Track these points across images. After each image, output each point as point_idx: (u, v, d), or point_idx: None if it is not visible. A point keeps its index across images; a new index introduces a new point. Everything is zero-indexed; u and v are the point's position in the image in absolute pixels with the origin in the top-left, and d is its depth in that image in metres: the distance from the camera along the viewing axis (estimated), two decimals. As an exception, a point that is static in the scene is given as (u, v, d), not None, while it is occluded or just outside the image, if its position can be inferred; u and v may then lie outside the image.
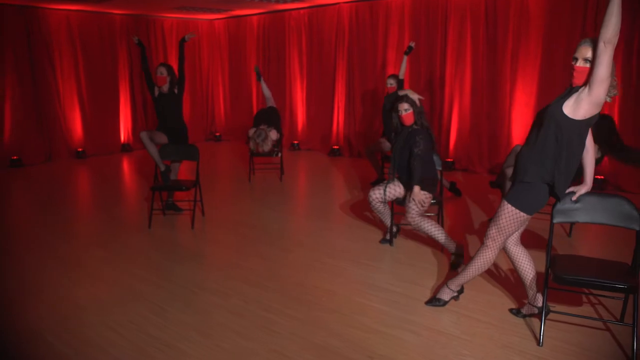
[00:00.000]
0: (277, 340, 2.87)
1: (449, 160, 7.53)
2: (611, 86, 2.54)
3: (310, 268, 3.95)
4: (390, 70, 8.08)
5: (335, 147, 8.95)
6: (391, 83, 6.27)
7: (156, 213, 5.40)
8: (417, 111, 4.05)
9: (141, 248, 4.47)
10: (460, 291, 3.29)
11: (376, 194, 4.25)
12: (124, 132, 9.66)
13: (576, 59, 2.58)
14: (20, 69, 8.20)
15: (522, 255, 3.08)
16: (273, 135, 6.52)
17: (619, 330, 2.95)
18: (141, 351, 2.80)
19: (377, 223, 4.98)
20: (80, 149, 9.00)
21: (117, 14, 9.22)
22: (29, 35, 8.25)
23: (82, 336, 2.96)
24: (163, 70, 5.21)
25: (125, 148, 9.65)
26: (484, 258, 3.02)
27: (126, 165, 8.50)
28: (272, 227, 5.02)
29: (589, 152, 2.84)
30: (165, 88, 5.25)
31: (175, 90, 5.26)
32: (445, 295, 3.28)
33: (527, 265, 3.06)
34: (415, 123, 4.04)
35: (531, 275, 3.05)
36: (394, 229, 4.49)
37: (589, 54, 2.52)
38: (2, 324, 3.15)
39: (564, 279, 2.71)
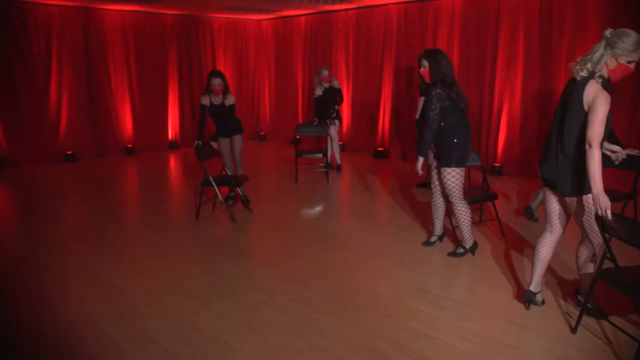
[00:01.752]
0: (324, 340, 2.86)
1: (497, 165, 7.36)
2: None
3: (356, 269, 3.92)
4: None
5: (380, 148, 8.88)
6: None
7: (205, 208, 5.49)
8: (436, 69, 3.85)
9: (189, 243, 4.56)
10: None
11: (436, 185, 4.19)
12: (172, 130, 9.89)
13: (634, 62, 2.67)
14: (77, 68, 8.51)
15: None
16: None
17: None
18: (188, 343, 2.84)
19: (423, 225, 4.90)
20: (130, 145, 9.26)
21: (169, 14, 9.45)
22: (86, 35, 8.55)
23: (133, 325, 3.03)
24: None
25: (173, 145, 9.87)
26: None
27: (174, 162, 8.70)
28: (317, 226, 5.03)
29: None
30: (221, 98, 5.41)
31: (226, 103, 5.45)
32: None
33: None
34: (434, 83, 3.87)
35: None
36: (440, 232, 4.41)
37: None
38: (59, 310, 3.27)
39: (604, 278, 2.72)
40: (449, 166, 3.93)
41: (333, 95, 7.30)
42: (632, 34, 2.69)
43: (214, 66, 10.30)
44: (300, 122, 10.27)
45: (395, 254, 4.22)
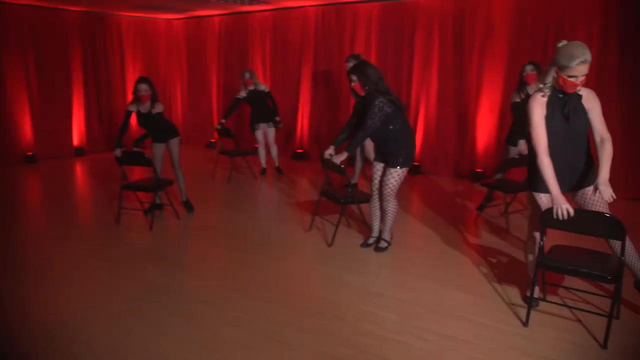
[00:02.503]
0: (288, 352, 2.80)
1: (415, 164, 7.66)
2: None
3: (304, 276, 3.89)
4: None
5: (300, 150, 8.90)
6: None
7: (131, 217, 5.18)
8: (366, 81, 4.00)
9: (115, 255, 4.25)
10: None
11: (377, 187, 4.31)
12: (78, 135, 9.20)
13: (576, 77, 2.76)
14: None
15: None
16: None
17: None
18: (145, 369, 2.66)
19: (357, 226, 4.97)
20: (30, 153, 8.48)
21: (72, 10, 8.78)
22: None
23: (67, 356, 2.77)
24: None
25: (79, 152, 9.18)
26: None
27: (81, 169, 8.10)
28: (255, 233, 4.91)
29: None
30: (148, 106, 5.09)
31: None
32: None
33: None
34: (368, 93, 4.03)
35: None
36: (378, 233, 4.49)
37: (585, 70, 2.76)
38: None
39: (547, 265, 2.95)
40: (395, 167, 4.11)
41: (260, 99, 7.12)
42: (568, 50, 2.75)
43: (123, 67, 9.77)
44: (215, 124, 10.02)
45: (337, 258, 4.23)
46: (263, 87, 7.15)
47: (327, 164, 4.35)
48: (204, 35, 9.99)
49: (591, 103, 2.90)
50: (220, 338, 2.95)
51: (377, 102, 3.96)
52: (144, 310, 3.28)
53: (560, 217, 2.83)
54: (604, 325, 2.99)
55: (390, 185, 4.15)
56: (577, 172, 3.04)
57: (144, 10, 9.14)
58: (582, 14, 6.25)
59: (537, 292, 3.34)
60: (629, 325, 3.08)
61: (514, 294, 3.53)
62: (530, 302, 3.13)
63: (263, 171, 7.42)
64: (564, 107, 2.89)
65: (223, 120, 7.05)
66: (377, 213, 4.39)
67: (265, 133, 7.30)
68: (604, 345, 2.84)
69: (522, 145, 5.07)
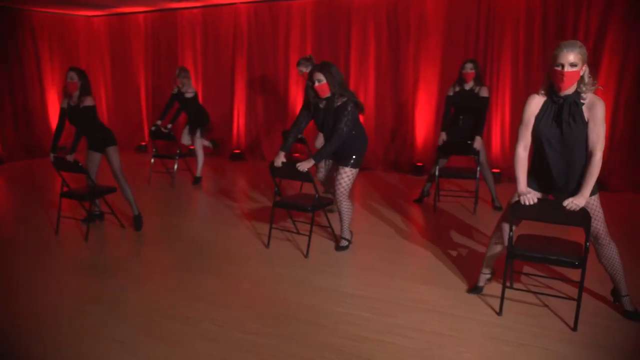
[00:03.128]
0: (272, 362, 2.69)
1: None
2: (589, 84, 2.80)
3: (270, 281, 3.76)
4: (294, 73, 8.06)
5: (237, 150, 8.68)
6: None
7: (71, 227, 4.79)
8: (333, 81, 3.91)
9: (63, 272, 3.90)
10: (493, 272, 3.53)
11: (321, 177, 4.36)
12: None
13: (562, 65, 2.73)
14: None
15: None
16: None
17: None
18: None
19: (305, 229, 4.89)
20: None
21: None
22: None
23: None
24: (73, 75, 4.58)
25: (-6, 161, 8.43)
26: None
27: (2, 179, 7.42)
28: (204, 238, 4.70)
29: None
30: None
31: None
32: (482, 280, 3.47)
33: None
34: (334, 95, 3.96)
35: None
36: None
37: (571, 58, 2.71)
38: None
39: (518, 254, 3.06)
40: (348, 166, 4.08)
41: (185, 102, 6.65)
42: (560, 44, 2.78)
43: (39, 69, 9.04)
44: (145, 128, 9.57)
45: (301, 260, 4.15)
46: (190, 90, 6.65)
47: (280, 172, 4.18)
48: (128, 34, 9.47)
49: (591, 113, 2.78)
50: (195, 355, 2.76)
51: (349, 109, 3.91)
52: (104, 332, 3.01)
53: (528, 203, 2.93)
54: (568, 308, 3.17)
55: (344, 185, 4.10)
56: (570, 185, 2.99)
57: (58, 6, 8.49)
58: (510, 7, 6.56)
59: (483, 281, 3.46)
60: (590, 308, 3.23)
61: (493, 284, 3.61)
62: (474, 291, 3.41)
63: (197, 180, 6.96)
64: (560, 113, 2.84)
65: (158, 122, 6.68)
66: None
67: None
68: (574, 328, 2.97)
69: (443, 136, 5.36)
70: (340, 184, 4.11)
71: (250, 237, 4.71)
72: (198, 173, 6.83)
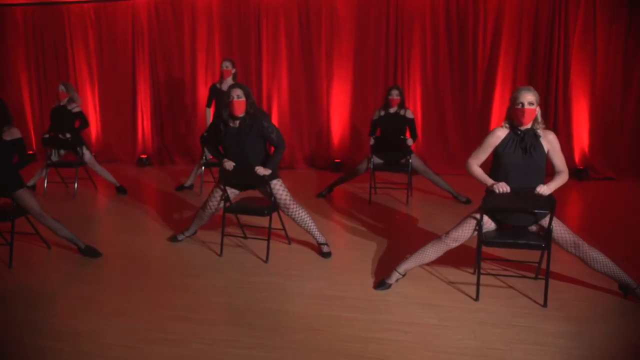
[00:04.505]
0: (285, 376, 2.58)
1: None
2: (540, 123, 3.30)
3: (243, 290, 3.58)
4: (201, 74, 7.76)
5: (144, 156, 8.14)
6: (227, 66, 5.99)
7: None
8: (251, 103, 3.97)
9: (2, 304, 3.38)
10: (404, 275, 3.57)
11: (213, 204, 4.18)
12: None
13: (522, 104, 3.18)
14: None
15: None
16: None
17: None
18: None
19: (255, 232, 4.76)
20: None
21: None
22: None
23: None
24: None
25: None
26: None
27: None
28: (146, 251, 4.35)
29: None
30: None
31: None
32: (393, 278, 3.52)
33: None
34: (247, 112, 3.96)
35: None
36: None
37: (529, 98, 3.18)
38: None
39: (489, 242, 3.28)
40: (274, 179, 4.06)
41: (67, 117, 6.07)
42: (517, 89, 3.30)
43: None
44: (33, 139, 8.57)
45: (262, 266, 4.01)
46: (74, 105, 6.11)
47: (230, 177, 4.04)
48: (3, 29, 8.38)
49: (550, 144, 3.27)
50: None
51: (267, 122, 3.98)
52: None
53: (502, 190, 3.15)
54: (528, 287, 3.48)
55: (284, 196, 4.05)
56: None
57: None
58: (416, 5, 6.93)
59: (395, 278, 3.53)
60: (552, 285, 3.54)
61: (444, 272, 3.79)
62: (381, 287, 3.52)
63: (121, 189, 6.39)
64: (522, 142, 3.24)
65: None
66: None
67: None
68: (544, 304, 3.24)
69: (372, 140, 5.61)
70: (280, 198, 4.04)
71: (197, 247, 4.46)
72: (116, 182, 6.31)
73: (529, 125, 3.27)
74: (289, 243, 4.45)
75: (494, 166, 3.39)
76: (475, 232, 3.37)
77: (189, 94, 7.86)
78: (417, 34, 6.98)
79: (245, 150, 4.00)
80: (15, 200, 4.03)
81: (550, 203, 3.15)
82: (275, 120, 7.59)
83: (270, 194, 4.05)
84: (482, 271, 3.69)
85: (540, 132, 3.29)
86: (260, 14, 7.39)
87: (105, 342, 2.92)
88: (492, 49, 6.78)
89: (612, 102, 6.55)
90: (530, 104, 3.20)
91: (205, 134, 5.99)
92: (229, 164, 4.00)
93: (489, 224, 3.39)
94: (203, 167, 6.15)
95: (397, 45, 7.04)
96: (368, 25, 7.12)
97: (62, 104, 6.09)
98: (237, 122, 3.98)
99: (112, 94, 8.14)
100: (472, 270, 3.79)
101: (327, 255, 4.14)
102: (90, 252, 4.20)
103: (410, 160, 5.48)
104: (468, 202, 5.60)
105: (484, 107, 6.91)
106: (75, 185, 6.23)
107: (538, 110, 3.26)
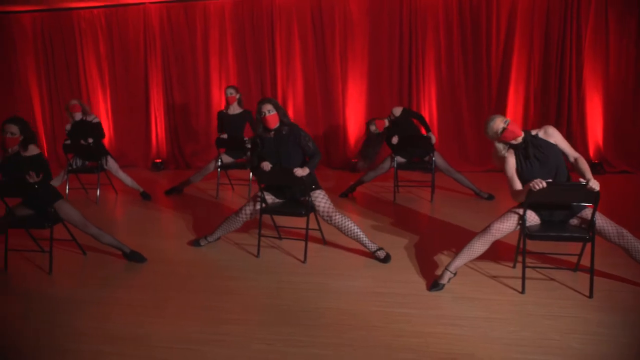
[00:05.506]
0: (352, 372, 2.62)
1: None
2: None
3: (288, 291, 3.61)
4: (215, 76, 7.79)
5: (158, 160, 8.15)
6: (231, 93, 6.15)
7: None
8: (282, 112, 4.10)
9: (54, 312, 3.39)
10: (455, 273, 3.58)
11: (250, 209, 4.21)
12: None
13: (503, 128, 3.34)
14: None
15: None
16: None
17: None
18: None
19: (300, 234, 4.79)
20: None
21: None
22: None
23: None
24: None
25: None
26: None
27: None
28: (183, 258, 4.37)
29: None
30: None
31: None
32: (445, 278, 3.53)
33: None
34: (281, 121, 4.08)
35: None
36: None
37: (501, 122, 3.36)
38: None
39: (534, 235, 3.34)
40: (317, 189, 4.14)
41: (89, 129, 6.06)
42: (487, 126, 3.44)
43: None
44: (45, 146, 8.55)
45: (300, 266, 4.04)
46: (93, 116, 6.17)
47: (268, 177, 4.07)
48: (11, 36, 8.34)
49: (552, 136, 3.38)
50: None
51: (302, 131, 4.09)
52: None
53: (539, 187, 3.19)
54: (572, 279, 3.56)
55: (327, 207, 4.07)
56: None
57: None
58: (429, 4, 6.99)
59: (447, 277, 3.53)
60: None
61: (485, 267, 3.84)
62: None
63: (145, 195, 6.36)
64: (528, 150, 3.35)
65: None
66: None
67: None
68: (590, 296, 3.31)
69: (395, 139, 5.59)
70: (320, 209, 4.07)
71: (231, 249, 4.48)
72: (140, 188, 6.32)
73: (521, 134, 3.37)
74: (324, 243, 4.48)
75: (524, 183, 3.42)
76: (518, 226, 3.43)
77: (202, 96, 7.88)
78: (430, 33, 7.04)
79: (284, 159, 4.07)
80: (55, 211, 4.06)
81: (594, 195, 3.22)
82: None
83: (310, 203, 4.07)
84: (520, 264, 3.78)
85: (534, 132, 3.43)
86: (273, 16, 7.43)
87: (161, 345, 2.95)
88: (505, 47, 6.86)
89: (625, 97, 6.65)
90: (505, 121, 3.35)
91: (220, 137, 6.08)
92: (267, 165, 4.04)
93: (531, 218, 3.45)
94: (219, 170, 6.17)
95: (411, 44, 7.10)
96: (381, 25, 7.17)
97: (77, 118, 6.08)
98: (272, 132, 4.08)
99: (125, 99, 8.14)
100: (511, 265, 3.85)
101: (385, 260, 4.03)
102: (136, 257, 4.20)
103: (433, 159, 5.54)
104: (490, 198, 5.67)
105: (499, 105, 6.98)
106: (98, 191, 6.24)
107: (507, 120, 3.38)
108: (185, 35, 7.79)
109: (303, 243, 4.34)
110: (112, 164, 6.18)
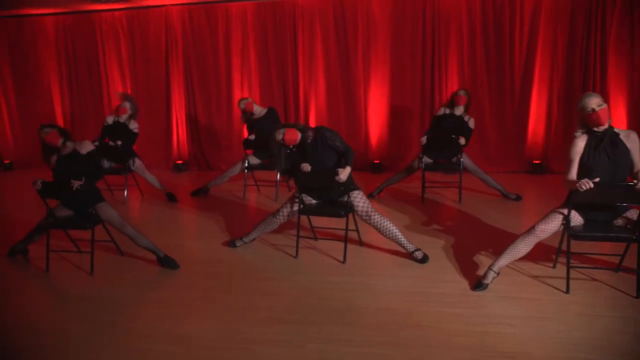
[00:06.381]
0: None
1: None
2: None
3: (332, 291, 3.63)
4: (237, 77, 7.83)
5: (179, 161, 8.19)
6: (244, 103, 6.26)
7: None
8: (299, 127, 4.21)
9: (101, 312, 3.43)
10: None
11: (288, 210, 4.26)
12: None
13: (592, 109, 3.28)
14: None
15: None
16: None
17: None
18: None
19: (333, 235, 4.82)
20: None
21: None
22: None
23: None
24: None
25: None
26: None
27: None
28: (221, 258, 4.40)
29: None
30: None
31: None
32: (489, 278, 3.55)
33: None
34: (303, 134, 4.17)
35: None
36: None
37: (597, 101, 3.29)
38: None
39: (579, 235, 3.35)
40: (356, 190, 4.18)
41: (126, 135, 6.16)
42: (581, 97, 3.37)
43: None
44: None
45: (340, 267, 4.08)
46: (125, 118, 6.23)
47: (307, 179, 4.13)
48: (33, 39, 8.39)
49: (631, 142, 3.32)
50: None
51: (329, 132, 4.18)
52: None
53: (586, 187, 3.21)
54: (614, 279, 3.58)
55: (365, 206, 4.10)
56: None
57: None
58: (452, 5, 7.00)
59: (491, 277, 3.55)
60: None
61: (525, 267, 3.85)
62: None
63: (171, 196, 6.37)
64: (602, 142, 3.32)
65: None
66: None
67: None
68: (637, 296, 3.33)
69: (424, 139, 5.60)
70: (362, 208, 4.10)
71: (267, 250, 4.51)
72: (165, 190, 6.35)
73: (606, 125, 3.34)
74: (361, 244, 4.51)
75: (580, 172, 3.42)
76: (562, 226, 3.46)
77: (224, 97, 7.91)
78: (453, 35, 7.06)
79: (318, 164, 4.13)
80: (96, 212, 4.11)
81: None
82: (312, 123, 7.66)
83: (349, 204, 4.10)
84: (560, 264, 3.81)
85: (618, 130, 3.39)
86: (295, 17, 7.45)
87: (215, 344, 2.99)
88: (528, 47, 6.86)
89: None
90: (599, 105, 3.29)
91: (248, 138, 6.13)
92: (306, 166, 4.07)
93: (574, 218, 3.48)
94: (246, 171, 6.21)
95: (433, 45, 7.11)
96: (404, 26, 7.18)
97: (121, 120, 6.12)
98: (299, 145, 4.18)
99: (146, 101, 8.16)
100: (551, 265, 3.88)
101: (423, 260, 4.05)
102: (169, 263, 4.18)
103: (461, 160, 5.57)
104: (518, 198, 5.70)
105: (522, 106, 6.99)
106: (125, 192, 6.28)
107: (602, 105, 3.30)
108: (207, 37, 7.83)
109: (338, 243, 4.40)
110: (139, 165, 6.22)
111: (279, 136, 4.10)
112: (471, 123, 5.68)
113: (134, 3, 7.70)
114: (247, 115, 6.35)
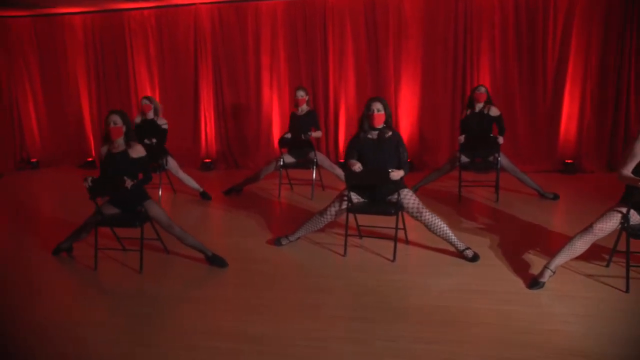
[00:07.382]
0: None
1: (341, 161, 7.71)
2: None
3: (387, 289, 3.63)
4: (266, 76, 7.84)
5: (207, 160, 8.22)
6: (301, 95, 6.20)
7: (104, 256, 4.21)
8: (389, 114, 4.17)
9: (170, 310, 3.45)
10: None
11: (336, 209, 4.26)
12: None
13: None
14: None
15: None
16: None
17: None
18: None
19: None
20: None
21: None
22: None
23: None
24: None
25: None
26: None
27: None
28: (269, 256, 4.41)
29: None
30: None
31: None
32: (545, 276, 3.54)
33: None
34: (386, 123, 4.16)
35: None
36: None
37: None
38: None
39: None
40: (405, 188, 4.20)
41: (155, 132, 6.10)
42: None
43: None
44: (92, 146, 8.68)
45: (391, 265, 4.07)
46: (160, 118, 6.21)
47: (357, 178, 4.10)
48: (62, 38, 8.44)
49: None
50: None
51: (404, 144, 4.19)
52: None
53: None
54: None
55: (416, 204, 4.11)
56: None
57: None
58: (485, 5, 6.99)
59: (547, 275, 3.54)
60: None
61: (578, 266, 3.83)
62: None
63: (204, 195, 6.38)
64: None
65: None
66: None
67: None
68: (698, 295, 3.33)
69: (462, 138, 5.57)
70: (412, 206, 4.10)
71: (313, 248, 4.52)
72: (200, 188, 6.35)
73: None
74: (407, 243, 4.52)
75: (635, 169, 3.38)
76: (620, 225, 3.45)
77: (253, 96, 7.93)
78: (485, 32, 7.04)
79: (382, 162, 4.10)
80: (145, 210, 4.14)
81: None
82: (342, 122, 7.68)
83: (399, 202, 4.11)
84: (614, 264, 3.80)
85: None
86: (325, 15, 7.45)
87: (286, 342, 2.99)
88: (561, 46, 6.85)
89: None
90: None
91: (284, 137, 6.14)
92: (357, 166, 4.08)
93: (633, 217, 3.47)
94: (281, 169, 6.21)
95: (465, 45, 7.10)
96: (436, 25, 7.17)
97: (149, 117, 6.15)
98: (375, 133, 4.16)
99: (174, 100, 8.20)
100: (604, 264, 3.87)
101: (474, 259, 4.04)
102: (217, 261, 4.17)
103: (499, 159, 5.56)
104: (556, 198, 5.68)
105: (554, 105, 6.98)
106: (160, 191, 6.31)
107: None
108: (236, 35, 7.84)
109: (384, 241, 4.42)
110: (172, 164, 6.24)
111: (372, 108, 4.10)
112: (493, 112, 5.68)
113: (163, 1, 7.73)
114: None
